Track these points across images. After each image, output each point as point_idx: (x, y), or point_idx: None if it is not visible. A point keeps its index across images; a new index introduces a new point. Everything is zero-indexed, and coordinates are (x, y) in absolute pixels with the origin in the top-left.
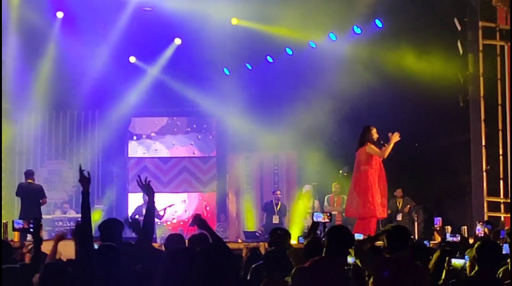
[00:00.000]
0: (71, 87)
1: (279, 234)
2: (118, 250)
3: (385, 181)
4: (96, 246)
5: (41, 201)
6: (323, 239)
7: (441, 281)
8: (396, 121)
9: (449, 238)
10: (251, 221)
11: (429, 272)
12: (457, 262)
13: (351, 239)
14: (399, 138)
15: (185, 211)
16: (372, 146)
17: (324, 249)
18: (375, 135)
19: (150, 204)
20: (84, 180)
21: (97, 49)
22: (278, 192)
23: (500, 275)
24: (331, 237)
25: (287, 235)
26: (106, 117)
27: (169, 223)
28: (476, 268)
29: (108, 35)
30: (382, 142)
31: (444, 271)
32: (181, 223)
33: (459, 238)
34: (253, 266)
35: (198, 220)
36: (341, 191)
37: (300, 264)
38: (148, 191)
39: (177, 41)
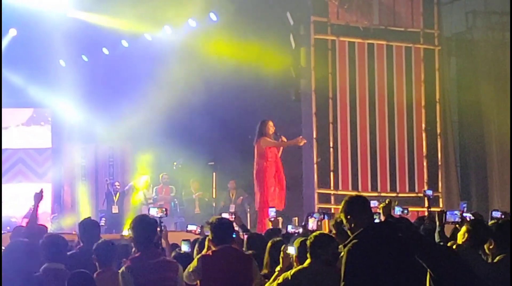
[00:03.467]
0: None
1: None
2: None
3: (281, 173)
4: None
5: None
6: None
7: (279, 268)
8: (231, 114)
9: (291, 229)
10: (86, 213)
11: (254, 262)
12: (292, 250)
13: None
14: (302, 143)
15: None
16: (267, 138)
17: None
18: (271, 128)
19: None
20: None
21: None
22: (117, 183)
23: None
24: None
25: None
26: None
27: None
28: (309, 258)
29: None
30: (278, 134)
31: (281, 258)
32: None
33: (301, 230)
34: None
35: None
36: (169, 181)
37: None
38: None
39: (12, 32)
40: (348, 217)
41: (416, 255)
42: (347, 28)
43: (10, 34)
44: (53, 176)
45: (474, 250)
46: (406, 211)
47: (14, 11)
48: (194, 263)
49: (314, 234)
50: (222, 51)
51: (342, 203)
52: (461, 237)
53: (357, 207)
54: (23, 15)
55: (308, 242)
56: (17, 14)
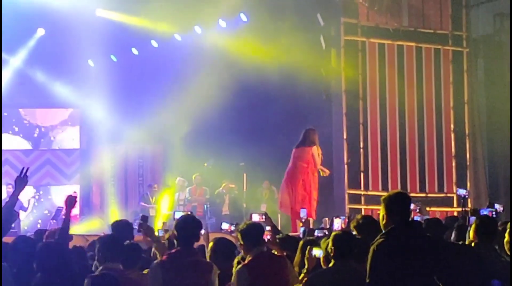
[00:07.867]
0: None
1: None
2: None
3: (317, 185)
4: None
5: None
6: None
7: (305, 270)
8: (261, 114)
9: (316, 233)
10: (115, 214)
11: (289, 263)
12: (317, 252)
13: (198, 228)
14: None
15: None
16: (320, 153)
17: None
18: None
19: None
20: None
21: None
22: (155, 185)
23: None
24: (180, 230)
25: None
26: None
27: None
28: (333, 259)
29: None
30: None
31: (306, 260)
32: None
33: (326, 232)
34: None
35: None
36: (202, 182)
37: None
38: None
39: (41, 31)
40: (385, 213)
41: (440, 256)
42: (377, 29)
43: (38, 34)
44: (81, 177)
45: (487, 246)
46: None
47: (42, 11)
48: (239, 274)
49: (334, 233)
50: (252, 52)
51: (383, 197)
52: (471, 234)
53: (394, 204)
54: (51, 14)
55: (329, 243)
56: (45, 14)
